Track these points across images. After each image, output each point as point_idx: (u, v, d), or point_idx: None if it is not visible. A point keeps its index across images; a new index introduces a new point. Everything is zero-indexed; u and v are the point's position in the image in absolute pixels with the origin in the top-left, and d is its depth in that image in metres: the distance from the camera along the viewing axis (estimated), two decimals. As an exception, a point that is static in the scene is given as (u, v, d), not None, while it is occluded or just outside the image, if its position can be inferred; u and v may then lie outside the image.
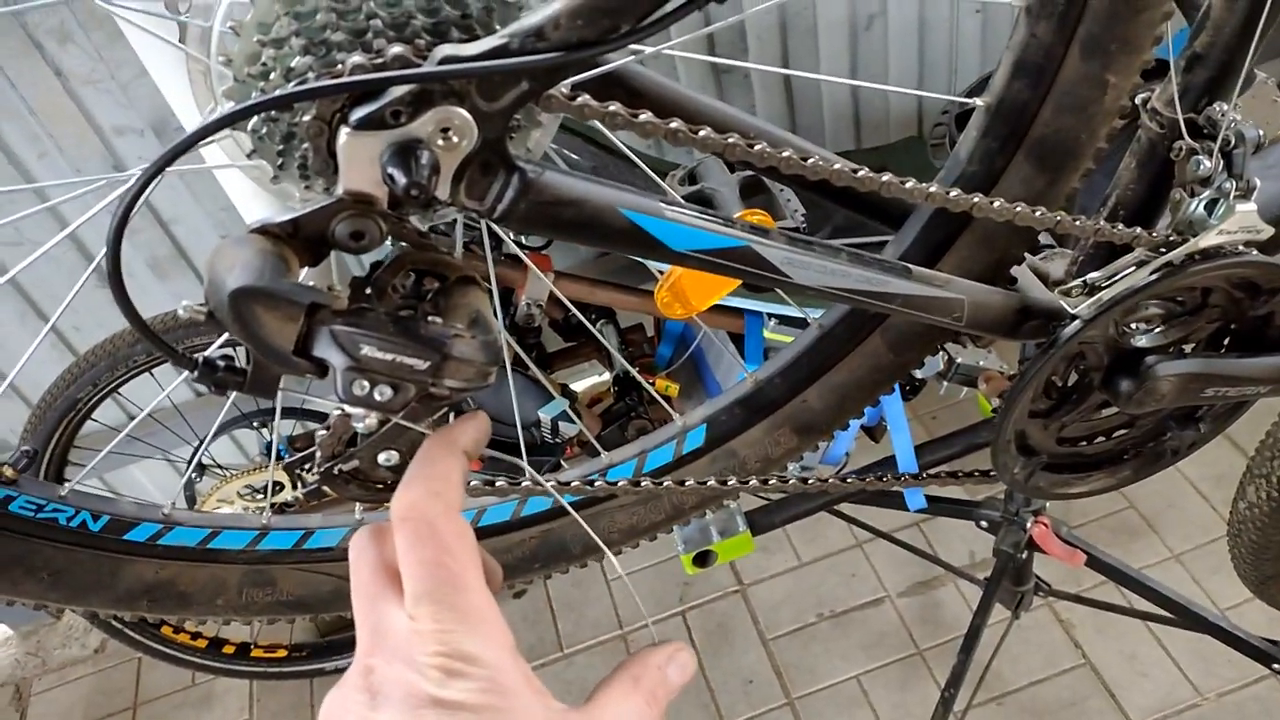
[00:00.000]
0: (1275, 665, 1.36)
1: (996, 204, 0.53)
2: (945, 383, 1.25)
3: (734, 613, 1.79)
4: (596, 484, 0.59)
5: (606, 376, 1.64)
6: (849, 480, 0.70)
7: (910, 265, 0.55)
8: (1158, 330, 0.64)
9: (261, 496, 1.59)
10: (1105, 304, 0.58)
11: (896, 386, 1.41)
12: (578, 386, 1.61)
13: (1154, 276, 0.57)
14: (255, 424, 1.58)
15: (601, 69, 0.46)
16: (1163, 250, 0.58)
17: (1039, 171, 0.57)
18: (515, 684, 0.33)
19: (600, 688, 0.37)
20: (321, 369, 0.37)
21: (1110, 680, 1.57)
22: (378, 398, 0.37)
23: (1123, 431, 0.71)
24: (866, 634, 1.71)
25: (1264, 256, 0.59)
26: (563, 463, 1.45)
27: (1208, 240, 0.57)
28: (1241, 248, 0.59)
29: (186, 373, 0.39)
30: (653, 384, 1.59)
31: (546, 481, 0.54)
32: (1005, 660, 1.58)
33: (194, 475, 1.62)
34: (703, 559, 1.39)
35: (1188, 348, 0.66)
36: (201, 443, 1.63)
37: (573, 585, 1.85)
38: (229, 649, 1.71)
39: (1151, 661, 1.58)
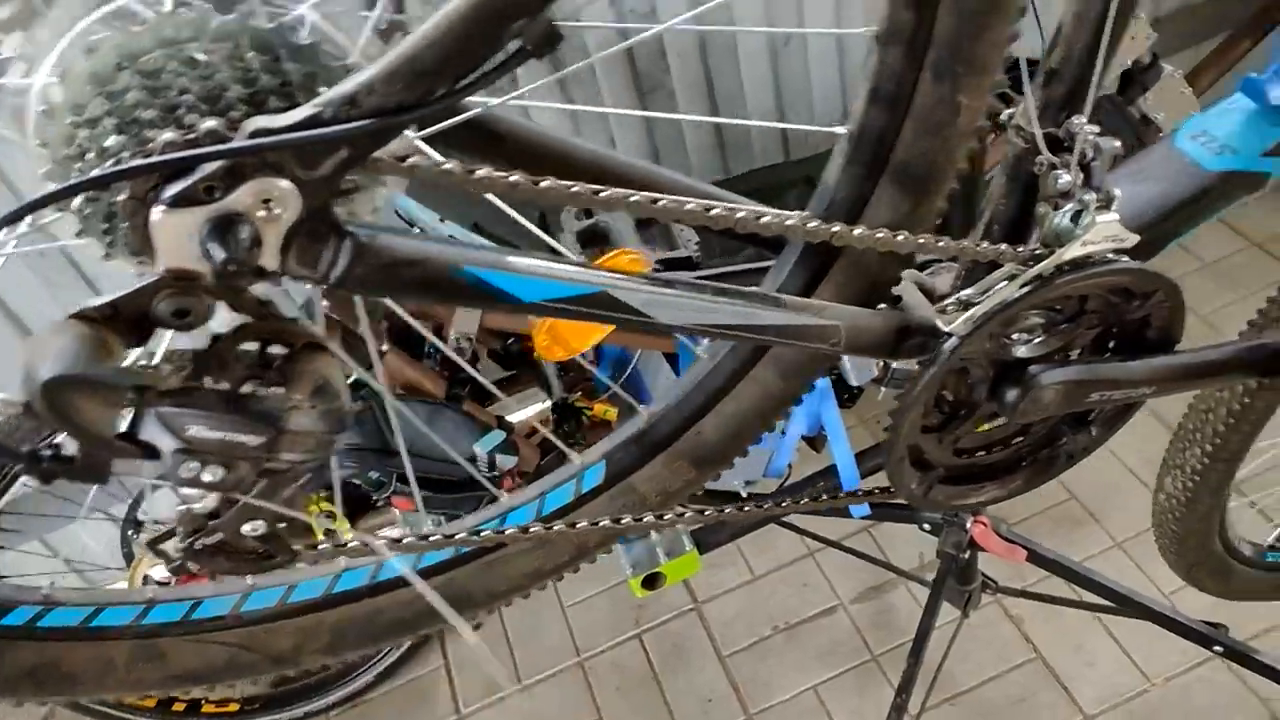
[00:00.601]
0: (1217, 648, 1.38)
1: (857, 231, 0.53)
2: (883, 388, 1.26)
3: (689, 632, 1.78)
4: (458, 536, 0.58)
5: (548, 404, 1.64)
6: (749, 509, 0.71)
7: (782, 295, 0.55)
8: (1039, 340, 0.65)
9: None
10: (978, 320, 0.58)
11: (833, 394, 1.43)
12: (519, 416, 1.60)
13: (1024, 290, 0.58)
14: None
15: (446, 123, 0.46)
16: (1030, 264, 0.58)
17: (904, 195, 0.58)
18: None
19: None
20: (150, 452, 0.36)
21: (1060, 672, 1.59)
22: (208, 478, 0.36)
23: (1019, 439, 0.72)
24: (821, 643, 1.71)
25: (1131, 263, 0.60)
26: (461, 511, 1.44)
27: (1072, 252, 0.58)
28: (1111, 255, 0.60)
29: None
30: (591, 409, 1.58)
31: (381, 539, 0.53)
32: (957, 660, 1.59)
33: (130, 532, 1.59)
34: (651, 581, 1.38)
35: (1073, 354, 0.67)
36: (135, 501, 1.60)
37: (528, 614, 1.84)
38: (179, 706, 1.67)
39: (1100, 650, 1.59)
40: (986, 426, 0.70)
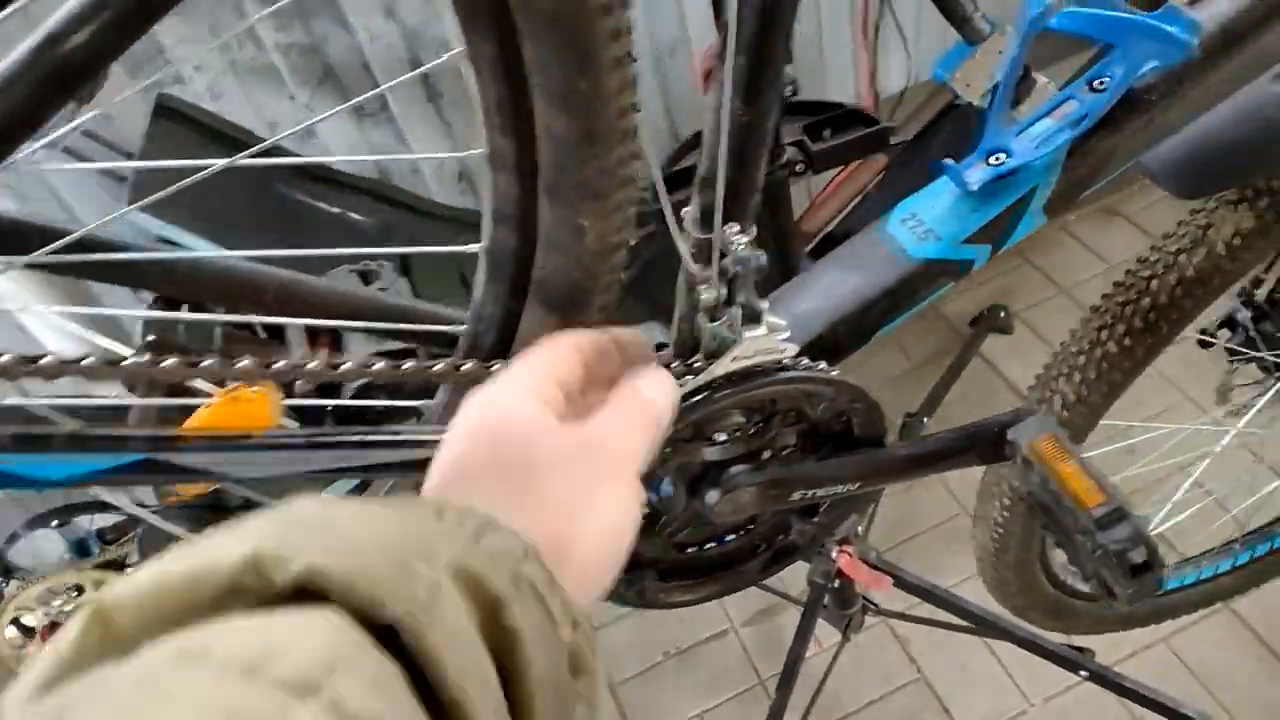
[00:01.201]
0: (1082, 672, 1.37)
1: (466, 365, 0.51)
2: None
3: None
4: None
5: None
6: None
7: (402, 429, 0.53)
8: (735, 441, 0.63)
9: (75, 595, 1.54)
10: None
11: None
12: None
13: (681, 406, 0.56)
14: (55, 523, 1.54)
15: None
16: (688, 378, 0.56)
17: (549, 312, 0.56)
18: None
19: (593, 411, 0.41)
20: None
21: (943, 694, 1.58)
22: None
23: (745, 532, 0.70)
24: (711, 668, 1.70)
25: (796, 372, 0.58)
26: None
27: (723, 368, 0.55)
28: (789, 361, 0.58)
29: None
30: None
31: None
32: (843, 683, 1.59)
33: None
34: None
35: (784, 450, 0.65)
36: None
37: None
38: None
39: (982, 671, 1.59)
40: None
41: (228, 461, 0.47)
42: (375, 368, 0.50)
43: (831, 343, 0.65)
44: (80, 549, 1.66)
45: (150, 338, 1.01)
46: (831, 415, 0.63)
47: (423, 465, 0.50)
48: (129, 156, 1.38)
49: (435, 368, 0.51)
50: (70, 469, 0.43)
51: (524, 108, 0.47)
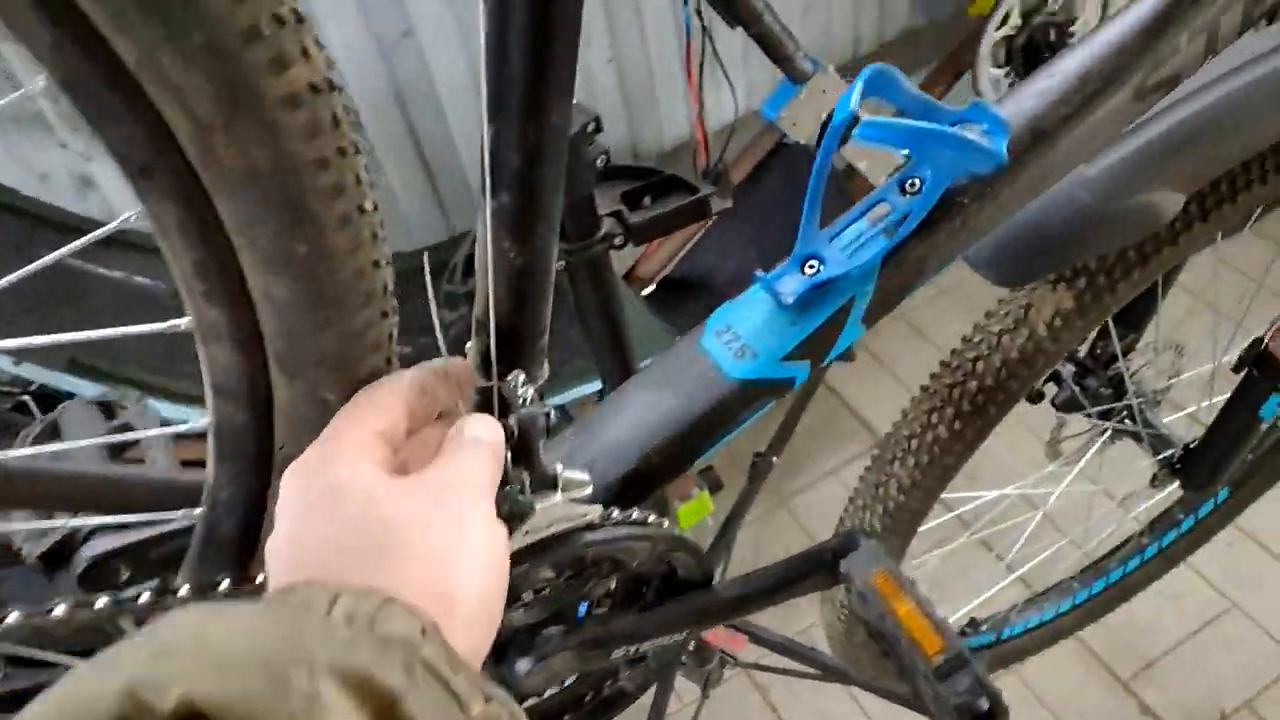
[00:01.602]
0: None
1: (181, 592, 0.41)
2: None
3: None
4: None
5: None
6: None
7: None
8: (544, 601, 0.55)
9: None
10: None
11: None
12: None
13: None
14: None
15: None
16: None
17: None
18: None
19: (428, 454, 0.41)
20: None
21: (804, 742, 1.56)
22: None
23: (573, 680, 0.63)
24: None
25: (603, 534, 0.50)
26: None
27: (519, 544, 0.48)
28: (584, 523, 0.50)
29: None
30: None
31: None
32: (704, 740, 1.54)
33: None
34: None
35: (602, 604, 0.58)
36: None
37: None
38: None
39: (842, 716, 1.57)
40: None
41: None
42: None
43: (646, 476, 0.58)
44: None
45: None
46: (650, 562, 0.56)
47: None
48: None
49: (141, 600, 0.41)
50: None
51: (231, 273, 0.38)
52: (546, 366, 0.51)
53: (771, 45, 1.37)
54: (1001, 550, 1.15)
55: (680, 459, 0.59)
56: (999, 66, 1.68)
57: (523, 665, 0.55)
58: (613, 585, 0.57)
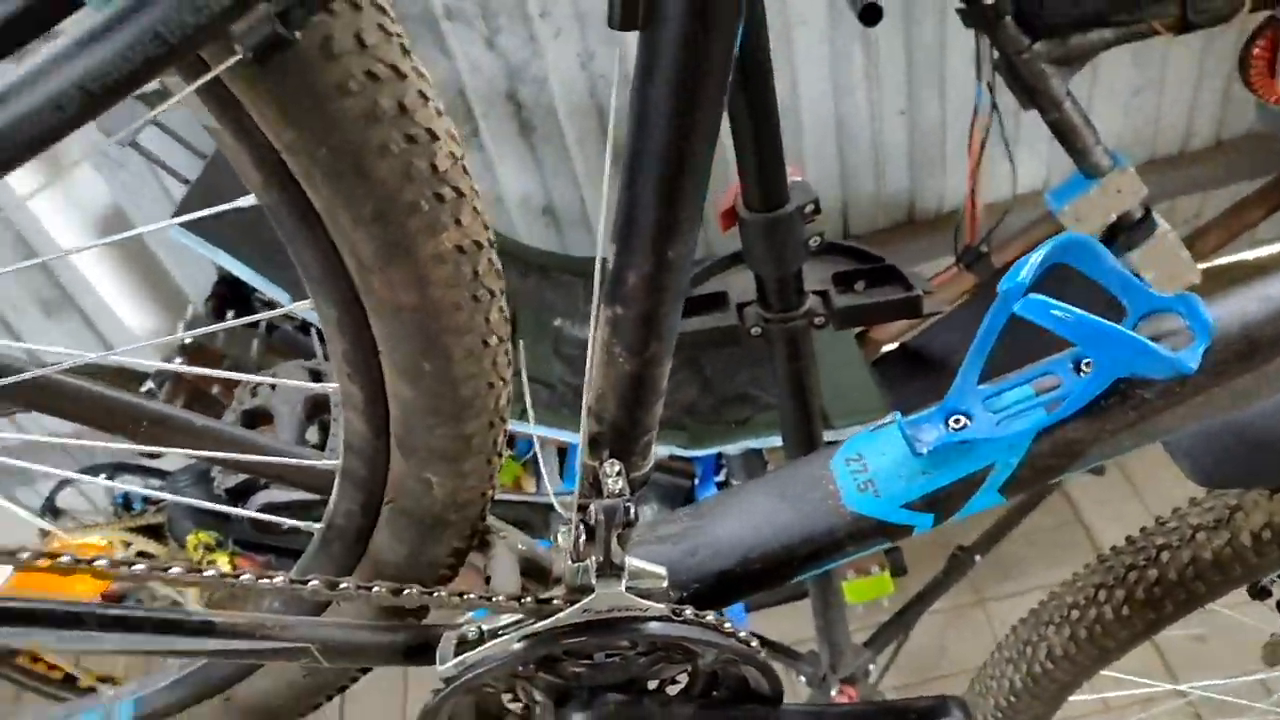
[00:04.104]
0: None
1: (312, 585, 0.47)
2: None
3: None
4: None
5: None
6: None
7: (215, 619, 0.50)
8: (614, 666, 0.57)
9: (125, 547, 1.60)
10: (466, 666, 0.51)
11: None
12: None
13: (517, 648, 0.51)
14: (104, 476, 1.61)
15: None
16: (537, 617, 0.51)
17: (397, 540, 0.52)
18: None
19: None
20: None
21: None
22: None
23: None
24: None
25: (668, 628, 0.51)
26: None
27: (573, 618, 0.50)
28: (643, 614, 0.52)
29: None
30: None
31: None
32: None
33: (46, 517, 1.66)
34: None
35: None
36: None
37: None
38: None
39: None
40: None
41: (8, 636, 0.45)
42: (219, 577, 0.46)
43: (741, 579, 0.58)
44: (126, 504, 1.73)
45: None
46: (719, 666, 0.56)
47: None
48: (201, 158, 1.41)
49: (276, 581, 0.48)
50: None
51: (373, 365, 0.43)
52: (652, 458, 0.53)
53: (1068, 135, 1.27)
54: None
55: (778, 573, 0.58)
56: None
57: (577, 718, 0.58)
58: (678, 677, 0.58)
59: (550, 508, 0.65)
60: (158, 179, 1.63)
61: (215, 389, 1.31)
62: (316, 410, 0.99)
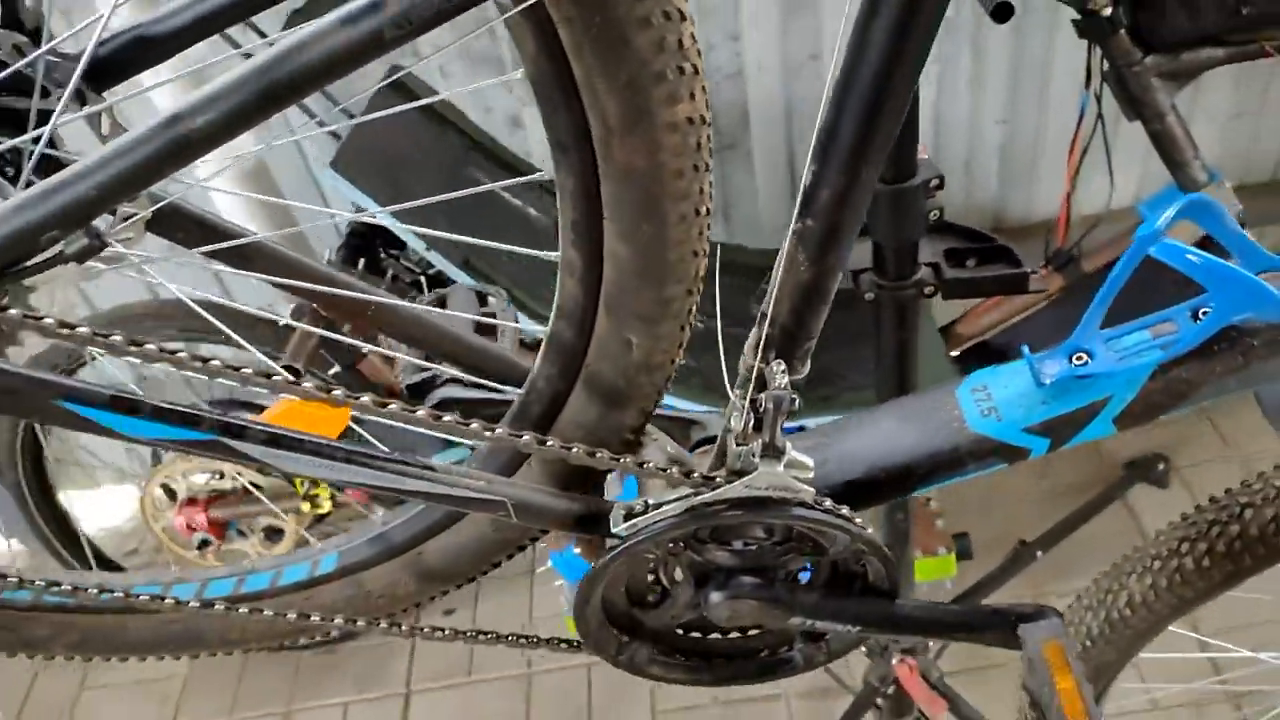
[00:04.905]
0: None
1: (550, 442, 0.55)
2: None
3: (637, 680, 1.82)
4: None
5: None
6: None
7: (435, 465, 0.59)
8: (751, 552, 0.65)
9: (217, 477, 1.72)
10: (637, 531, 0.60)
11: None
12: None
13: (682, 515, 0.59)
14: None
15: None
16: (700, 490, 0.59)
17: (591, 403, 0.60)
18: None
19: None
20: None
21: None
22: None
23: (755, 630, 0.72)
24: (752, 726, 1.71)
25: (810, 513, 0.59)
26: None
27: (735, 492, 0.58)
28: (794, 497, 0.60)
29: None
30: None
31: None
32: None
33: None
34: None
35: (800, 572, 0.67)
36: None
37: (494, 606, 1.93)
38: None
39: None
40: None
41: (279, 458, 0.54)
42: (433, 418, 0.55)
43: (866, 487, 0.66)
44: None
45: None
46: (847, 556, 0.64)
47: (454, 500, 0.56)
48: (347, 115, 1.52)
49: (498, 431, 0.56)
50: (150, 431, 0.51)
51: (596, 232, 0.52)
52: (809, 364, 0.61)
53: (1167, 146, 1.32)
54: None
55: (901, 483, 0.66)
56: None
57: (715, 596, 0.66)
58: (813, 565, 0.66)
59: (691, 423, 0.72)
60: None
61: (346, 328, 1.42)
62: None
